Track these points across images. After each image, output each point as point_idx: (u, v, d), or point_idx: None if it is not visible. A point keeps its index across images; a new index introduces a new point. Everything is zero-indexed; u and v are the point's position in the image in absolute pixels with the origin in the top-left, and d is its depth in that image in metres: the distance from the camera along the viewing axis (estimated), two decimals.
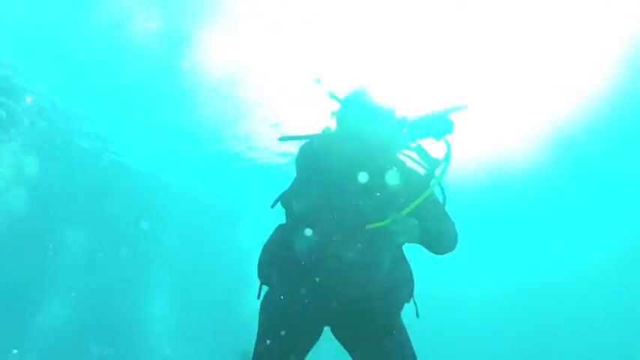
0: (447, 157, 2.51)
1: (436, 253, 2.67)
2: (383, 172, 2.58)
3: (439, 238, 2.58)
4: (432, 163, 2.56)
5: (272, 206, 2.79)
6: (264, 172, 14.58)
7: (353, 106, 2.60)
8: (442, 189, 2.61)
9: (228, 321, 21.04)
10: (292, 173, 2.76)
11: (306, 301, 2.56)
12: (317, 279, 2.52)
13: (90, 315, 20.80)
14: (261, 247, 2.79)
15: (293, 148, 2.83)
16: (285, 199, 2.73)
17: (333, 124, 2.71)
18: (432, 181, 2.51)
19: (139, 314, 22.58)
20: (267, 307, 2.71)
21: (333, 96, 2.66)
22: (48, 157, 14.35)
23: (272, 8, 8.88)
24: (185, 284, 21.76)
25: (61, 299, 20.52)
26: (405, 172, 2.64)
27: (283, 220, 2.83)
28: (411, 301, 2.74)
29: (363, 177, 2.50)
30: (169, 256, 20.75)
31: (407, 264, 2.76)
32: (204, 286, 21.94)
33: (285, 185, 2.79)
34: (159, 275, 21.77)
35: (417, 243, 2.49)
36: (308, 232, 2.51)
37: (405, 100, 2.62)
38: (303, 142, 2.76)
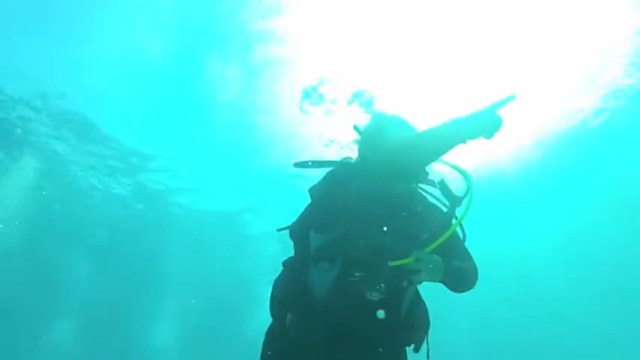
0: (470, 194, 2.41)
1: (456, 291, 2.54)
2: (405, 206, 2.49)
3: (461, 277, 2.48)
4: (453, 200, 2.48)
5: (278, 230, 2.68)
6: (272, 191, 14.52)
7: (374, 137, 2.53)
8: (461, 226, 2.50)
9: (232, 347, 20.77)
10: (303, 194, 2.62)
11: (320, 339, 2.40)
12: (334, 317, 2.38)
13: (95, 339, 20.74)
14: (262, 270, 2.64)
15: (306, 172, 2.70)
16: (296, 231, 2.60)
17: (354, 154, 2.64)
18: (455, 221, 2.43)
19: (144, 338, 22.50)
20: (276, 345, 2.53)
21: (355, 127, 2.61)
22: (59, 177, 14.40)
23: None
24: (190, 309, 21.67)
25: (67, 322, 20.53)
26: (427, 208, 2.56)
27: (290, 248, 2.68)
28: (425, 342, 2.57)
29: (385, 211, 2.41)
30: (175, 281, 20.64)
31: (423, 304, 2.64)
32: (209, 311, 21.84)
33: (294, 205, 2.66)
34: (164, 300, 21.71)
35: (439, 282, 2.36)
36: (328, 267, 2.39)
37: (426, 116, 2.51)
38: (319, 169, 2.65)
